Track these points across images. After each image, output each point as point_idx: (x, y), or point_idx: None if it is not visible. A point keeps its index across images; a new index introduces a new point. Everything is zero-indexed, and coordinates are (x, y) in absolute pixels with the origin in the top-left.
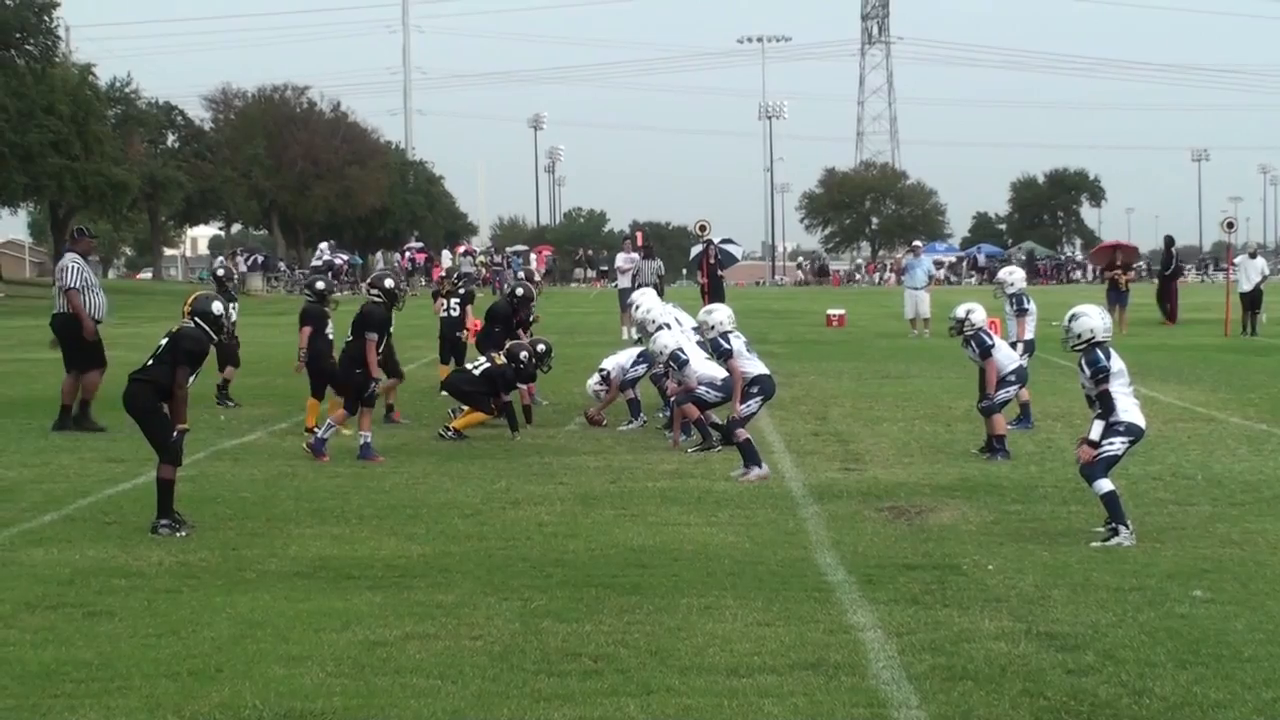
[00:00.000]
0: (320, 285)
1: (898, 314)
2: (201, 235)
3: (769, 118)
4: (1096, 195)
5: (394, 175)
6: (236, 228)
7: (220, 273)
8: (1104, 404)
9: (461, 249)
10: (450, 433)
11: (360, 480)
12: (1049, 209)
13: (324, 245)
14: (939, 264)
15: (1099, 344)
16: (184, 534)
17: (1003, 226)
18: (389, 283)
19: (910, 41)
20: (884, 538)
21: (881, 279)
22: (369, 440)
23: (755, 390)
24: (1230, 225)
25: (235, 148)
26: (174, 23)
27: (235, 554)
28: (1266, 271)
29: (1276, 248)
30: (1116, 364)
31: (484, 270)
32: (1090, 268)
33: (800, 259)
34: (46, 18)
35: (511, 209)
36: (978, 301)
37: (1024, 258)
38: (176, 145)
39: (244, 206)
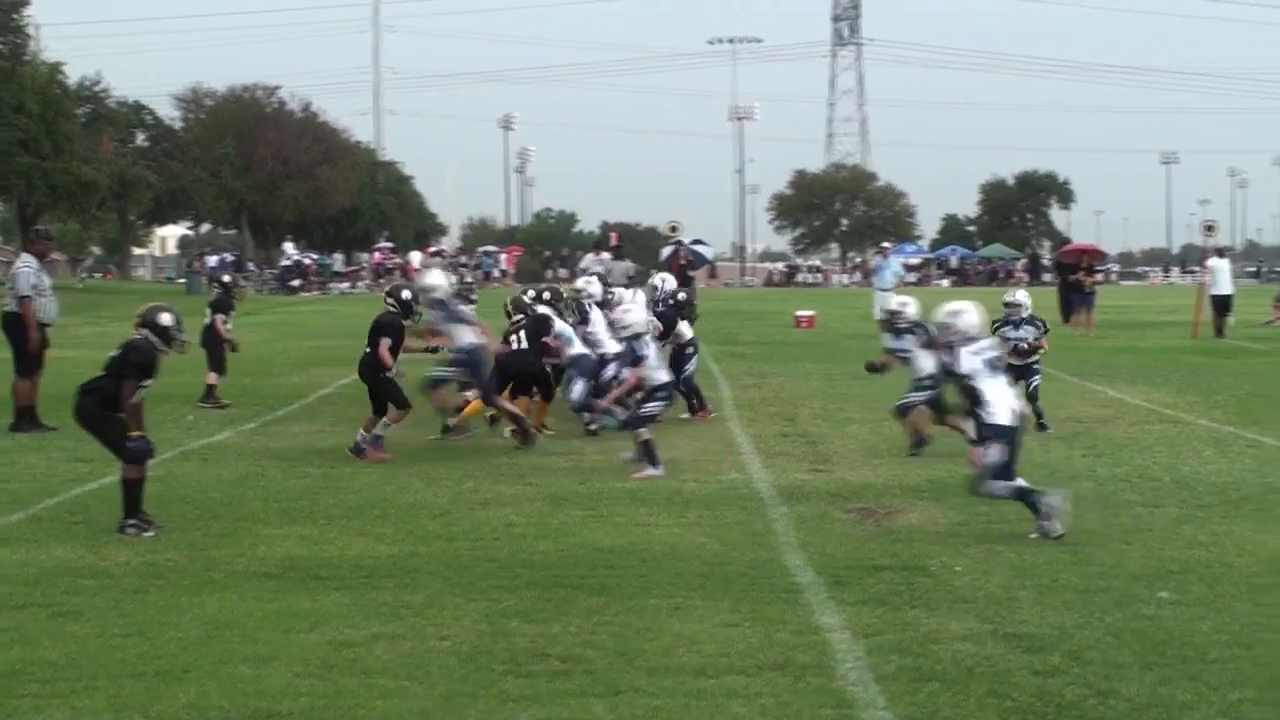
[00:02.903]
0: (406, 295)
1: (866, 315)
2: (170, 235)
3: (740, 119)
4: (1066, 197)
5: (364, 175)
6: (206, 227)
7: (226, 278)
8: (971, 398)
9: (431, 250)
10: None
11: (328, 480)
12: (1018, 211)
13: (288, 245)
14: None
15: (965, 341)
16: (151, 534)
17: (972, 228)
18: (405, 294)
19: (881, 44)
20: (852, 539)
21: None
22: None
23: (663, 394)
24: (1210, 229)
25: (205, 147)
26: (144, 21)
27: (203, 554)
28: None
29: (1244, 251)
30: (986, 358)
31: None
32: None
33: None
34: (16, 16)
35: (481, 209)
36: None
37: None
38: (146, 144)
39: (213, 206)
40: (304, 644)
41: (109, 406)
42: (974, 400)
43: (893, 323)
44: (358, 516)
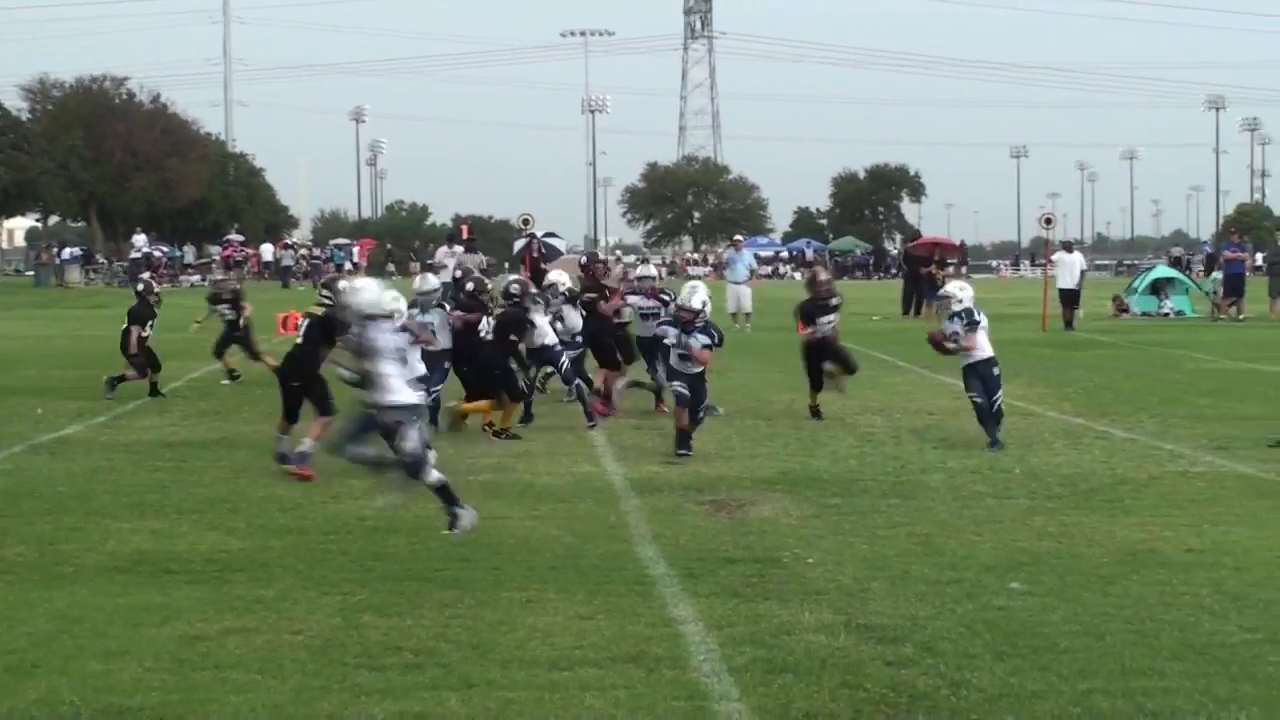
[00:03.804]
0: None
1: (719, 308)
2: (18, 227)
3: (592, 112)
4: (917, 191)
5: (214, 167)
6: (54, 220)
7: (140, 288)
8: (371, 374)
9: (283, 243)
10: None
11: (179, 474)
12: (870, 204)
13: (140, 238)
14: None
15: (373, 318)
16: None
17: (824, 221)
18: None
19: (733, 37)
20: (705, 531)
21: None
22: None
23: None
24: (1049, 221)
25: (53, 139)
26: None
27: (52, 548)
28: (1084, 266)
29: (1094, 244)
30: (386, 341)
31: (304, 264)
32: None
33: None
34: None
35: (333, 202)
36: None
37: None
38: None
39: (62, 198)
40: (155, 639)
41: None
42: (374, 377)
43: (694, 319)
44: (209, 510)
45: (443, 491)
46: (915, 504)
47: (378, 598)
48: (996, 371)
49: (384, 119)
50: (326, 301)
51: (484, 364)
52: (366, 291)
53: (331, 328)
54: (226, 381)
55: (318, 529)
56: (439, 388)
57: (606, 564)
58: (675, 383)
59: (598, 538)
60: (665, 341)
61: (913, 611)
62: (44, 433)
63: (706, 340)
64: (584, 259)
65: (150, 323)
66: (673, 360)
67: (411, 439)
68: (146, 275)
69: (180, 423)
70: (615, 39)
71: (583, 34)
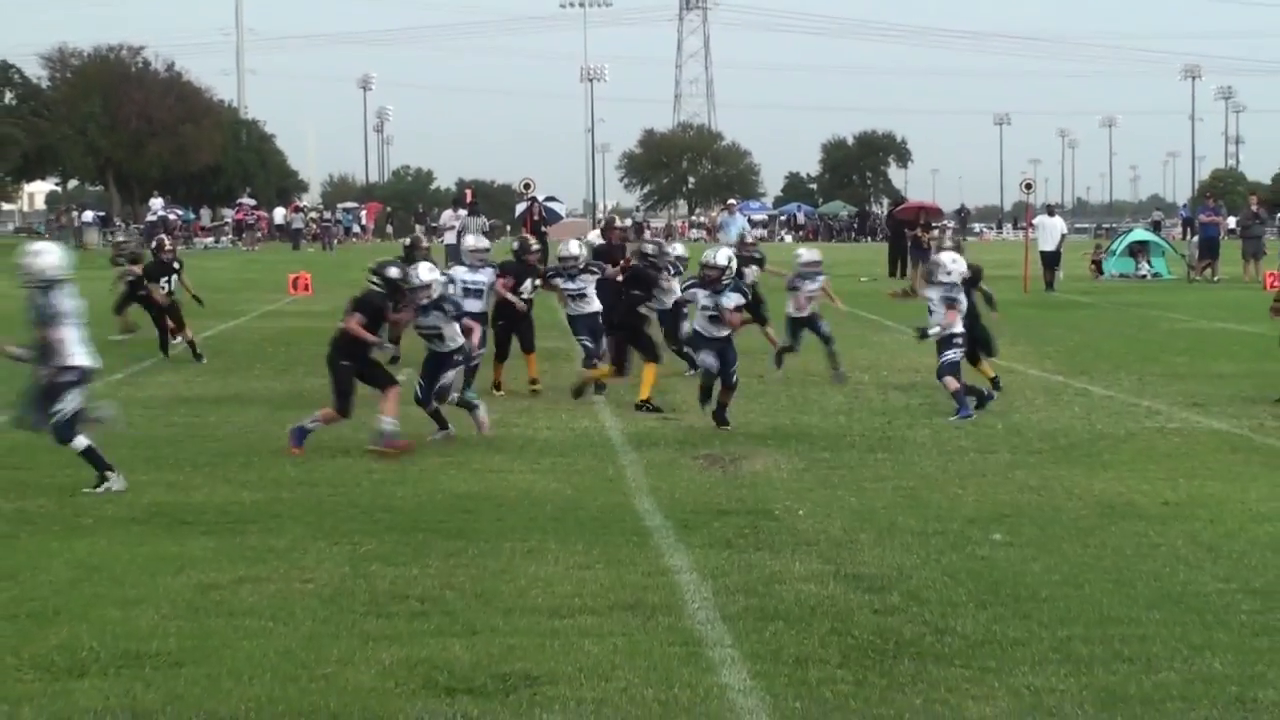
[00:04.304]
0: (393, 273)
1: None
2: (39, 191)
3: (590, 80)
4: (903, 157)
5: (227, 133)
6: (73, 184)
7: (154, 243)
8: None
9: (293, 207)
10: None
11: (194, 429)
12: (858, 170)
13: (156, 201)
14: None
15: (56, 282)
16: None
17: (814, 186)
18: (393, 271)
19: (727, 7)
20: (699, 484)
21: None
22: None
23: None
24: (1029, 187)
25: (72, 106)
26: None
27: (72, 500)
28: (1065, 230)
29: (1074, 208)
30: (67, 305)
31: (313, 226)
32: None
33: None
34: None
35: (341, 167)
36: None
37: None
38: (13, 103)
39: (80, 163)
40: (171, 587)
41: None
42: (53, 341)
43: (720, 278)
44: (222, 464)
45: (90, 455)
46: (902, 458)
47: (385, 548)
48: (949, 354)
49: (391, 87)
50: (375, 285)
51: (629, 326)
52: (48, 255)
53: (364, 308)
54: (120, 337)
55: (327, 482)
56: (480, 350)
57: (605, 516)
58: (703, 353)
59: (596, 490)
60: (695, 302)
61: (899, 561)
62: None
63: (738, 299)
64: (604, 222)
65: (168, 279)
66: (698, 324)
67: (70, 402)
68: (162, 235)
69: (194, 379)
70: (613, 9)
71: (581, 4)
